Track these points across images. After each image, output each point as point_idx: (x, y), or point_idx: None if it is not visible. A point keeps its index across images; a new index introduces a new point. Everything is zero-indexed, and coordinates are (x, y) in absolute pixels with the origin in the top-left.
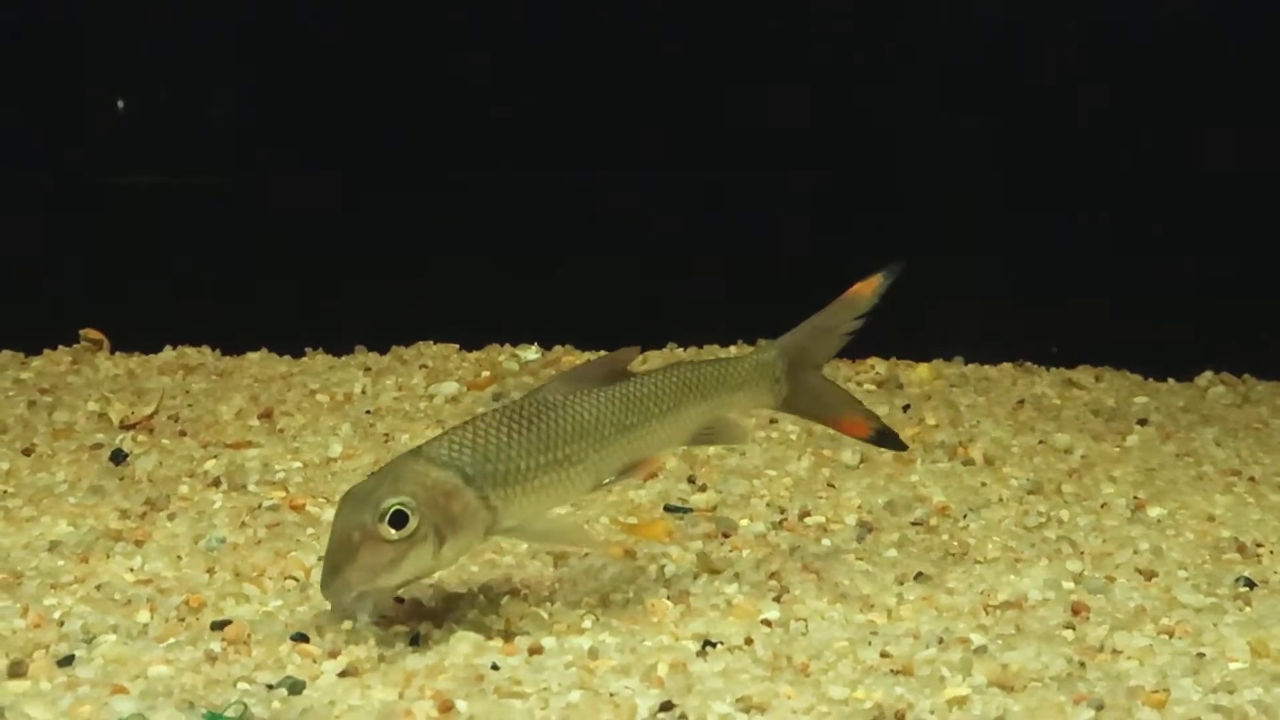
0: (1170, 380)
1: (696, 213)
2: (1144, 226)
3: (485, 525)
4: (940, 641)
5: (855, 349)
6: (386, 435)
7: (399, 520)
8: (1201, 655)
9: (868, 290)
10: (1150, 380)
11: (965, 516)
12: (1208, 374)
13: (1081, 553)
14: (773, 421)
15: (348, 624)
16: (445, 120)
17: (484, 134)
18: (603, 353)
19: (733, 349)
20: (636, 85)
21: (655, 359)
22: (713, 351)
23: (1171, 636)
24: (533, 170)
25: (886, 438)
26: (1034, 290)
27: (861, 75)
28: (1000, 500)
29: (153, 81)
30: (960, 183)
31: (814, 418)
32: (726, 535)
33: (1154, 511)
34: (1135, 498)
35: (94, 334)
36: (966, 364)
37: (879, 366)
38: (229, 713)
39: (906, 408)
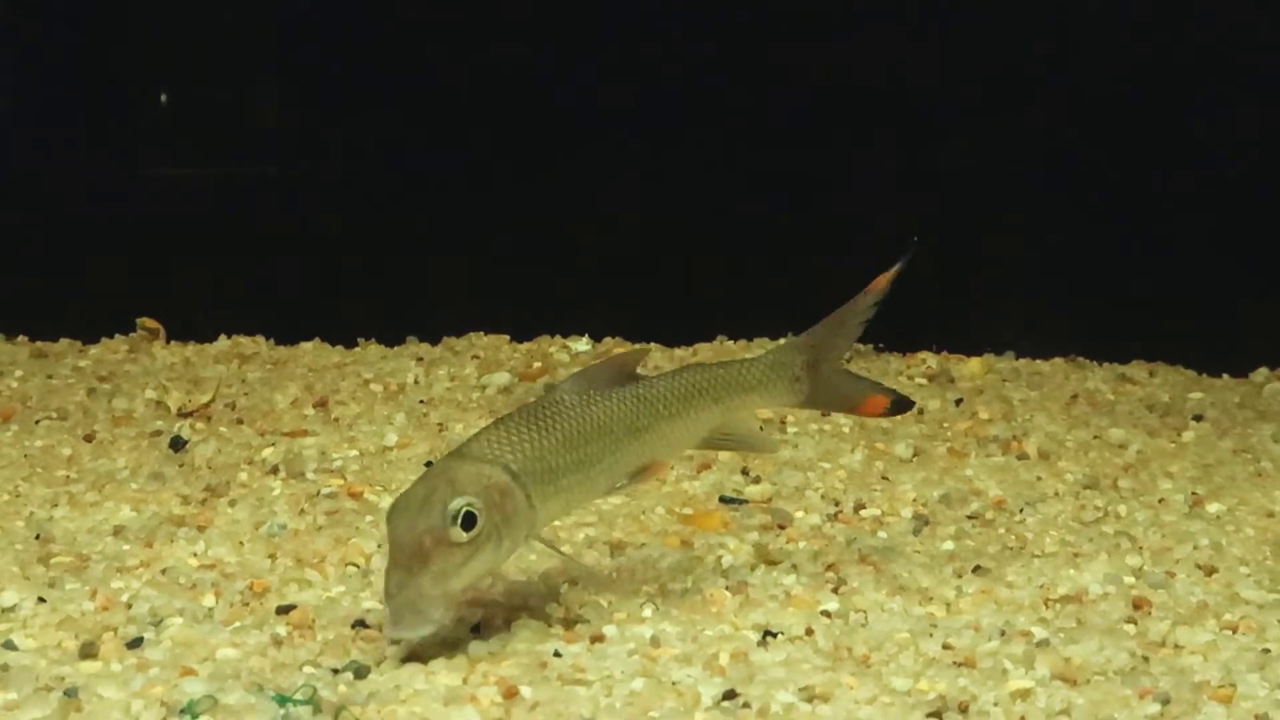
0: (1225, 376)
1: (747, 205)
2: (1197, 221)
3: (529, 524)
4: (1002, 634)
5: (906, 343)
6: (440, 425)
7: (470, 522)
8: (1267, 651)
9: (887, 280)
10: (1205, 376)
11: (1021, 510)
12: (1263, 370)
13: (1141, 548)
14: (824, 414)
15: (427, 630)
16: (499, 114)
17: (535, 127)
18: (652, 345)
19: (781, 342)
20: (683, 78)
21: (705, 351)
22: (762, 344)
23: (1235, 632)
24: (582, 163)
25: (901, 404)
26: (1086, 285)
27: (922, 64)
28: (1056, 494)
29: (205, 74)
30: (1012, 179)
31: (835, 409)
32: (782, 527)
33: (1213, 507)
34: (1193, 493)
35: (150, 323)
36: (1018, 359)
37: (930, 360)
38: (297, 695)
39: (959, 401)
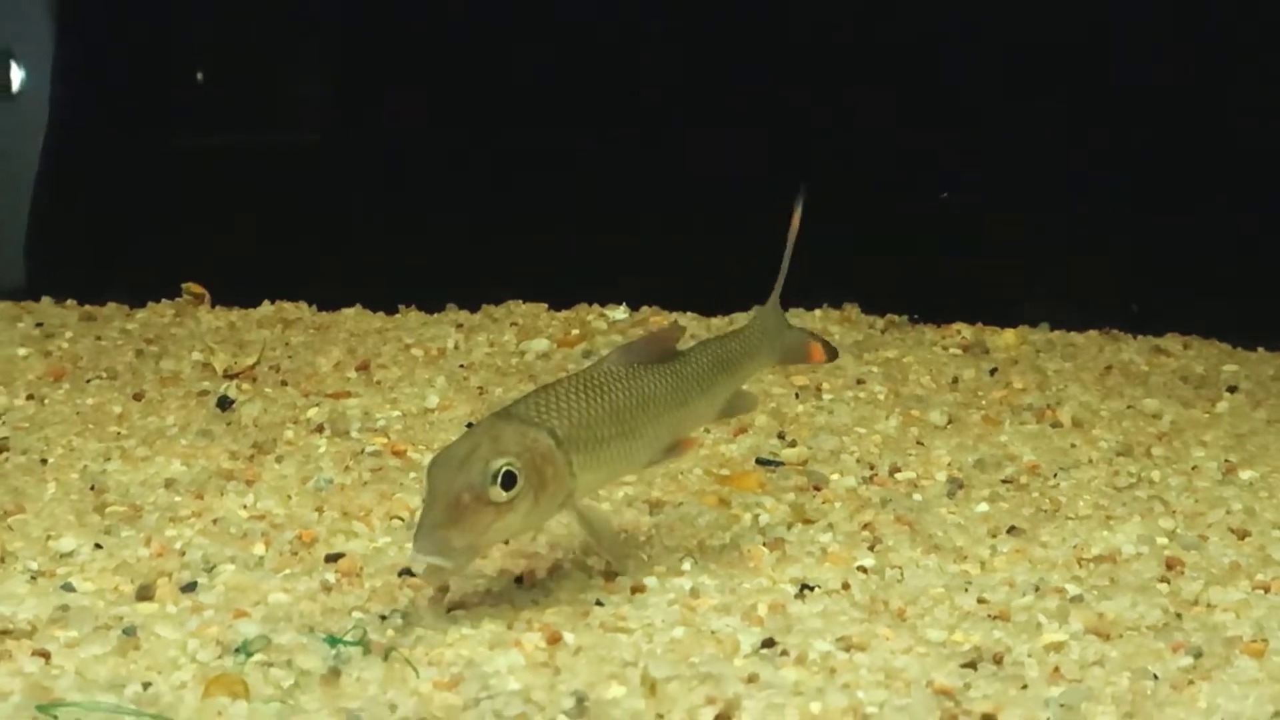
0: (1260, 349)
1: (781, 174)
2: (1233, 194)
3: (566, 492)
4: (1036, 590)
5: (942, 314)
6: (480, 388)
7: (509, 482)
8: None
9: (798, 223)
10: (1239, 349)
11: (1055, 475)
12: None
13: (1174, 511)
14: (860, 382)
15: (446, 564)
16: (539, 81)
17: (577, 95)
18: (690, 314)
19: (816, 313)
20: (714, 48)
21: (742, 321)
22: (795, 314)
23: (1267, 592)
24: (620, 132)
25: (830, 349)
26: (1121, 258)
27: (959, 36)
28: (1090, 461)
29: (250, 39)
30: (1048, 152)
31: (793, 361)
32: (818, 488)
33: (1246, 474)
34: (1226, 461)
35: (196, 288)
36: (1052, 330)
37: (965, 331)
38: (348, 637)
39: (993, 371)
